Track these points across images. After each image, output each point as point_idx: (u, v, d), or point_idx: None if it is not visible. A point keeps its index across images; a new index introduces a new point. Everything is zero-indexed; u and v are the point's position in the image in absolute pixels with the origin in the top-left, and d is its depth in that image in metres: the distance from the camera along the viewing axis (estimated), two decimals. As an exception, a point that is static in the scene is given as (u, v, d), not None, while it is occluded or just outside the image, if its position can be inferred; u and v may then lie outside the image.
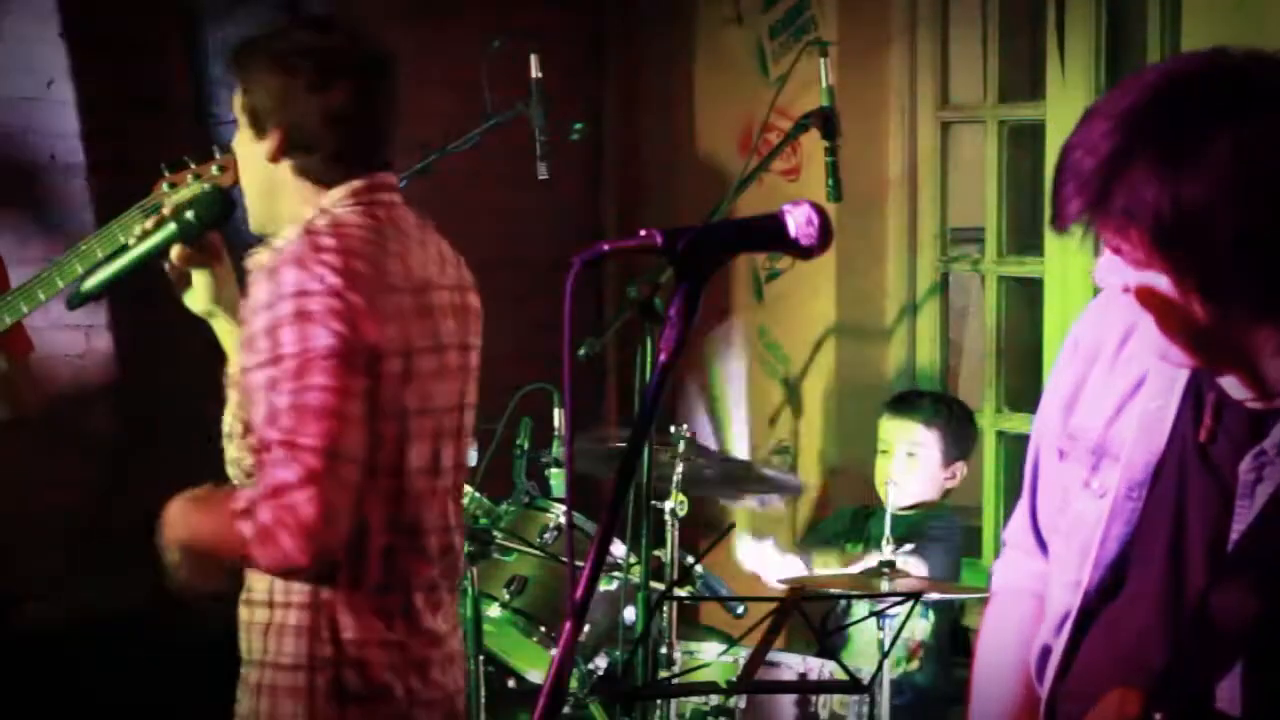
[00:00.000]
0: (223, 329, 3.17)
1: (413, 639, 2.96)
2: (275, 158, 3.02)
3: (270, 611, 2.94)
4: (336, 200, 3.01)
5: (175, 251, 3.09)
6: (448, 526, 3.05)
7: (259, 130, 3.03)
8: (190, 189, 3.39)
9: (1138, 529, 2.14)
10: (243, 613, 3.00)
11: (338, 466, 2.78)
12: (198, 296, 3.16)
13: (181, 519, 2.95)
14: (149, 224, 3.10)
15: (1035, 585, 2.36)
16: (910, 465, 4.80)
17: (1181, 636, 2.06)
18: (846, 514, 5.07)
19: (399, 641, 2.94)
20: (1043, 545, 2.35)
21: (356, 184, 3.02)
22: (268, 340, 2.83)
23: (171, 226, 3.08)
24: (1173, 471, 2.12)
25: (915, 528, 4.72)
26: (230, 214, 3.14)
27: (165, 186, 3.45)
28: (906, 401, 4.94)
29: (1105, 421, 2.19)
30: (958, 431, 4.88)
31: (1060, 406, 2.27)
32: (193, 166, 3.44)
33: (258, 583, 2.97)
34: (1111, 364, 2.22)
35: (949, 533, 4.81)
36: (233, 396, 3.00)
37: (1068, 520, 2.23)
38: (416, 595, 2.98)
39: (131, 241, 3.13)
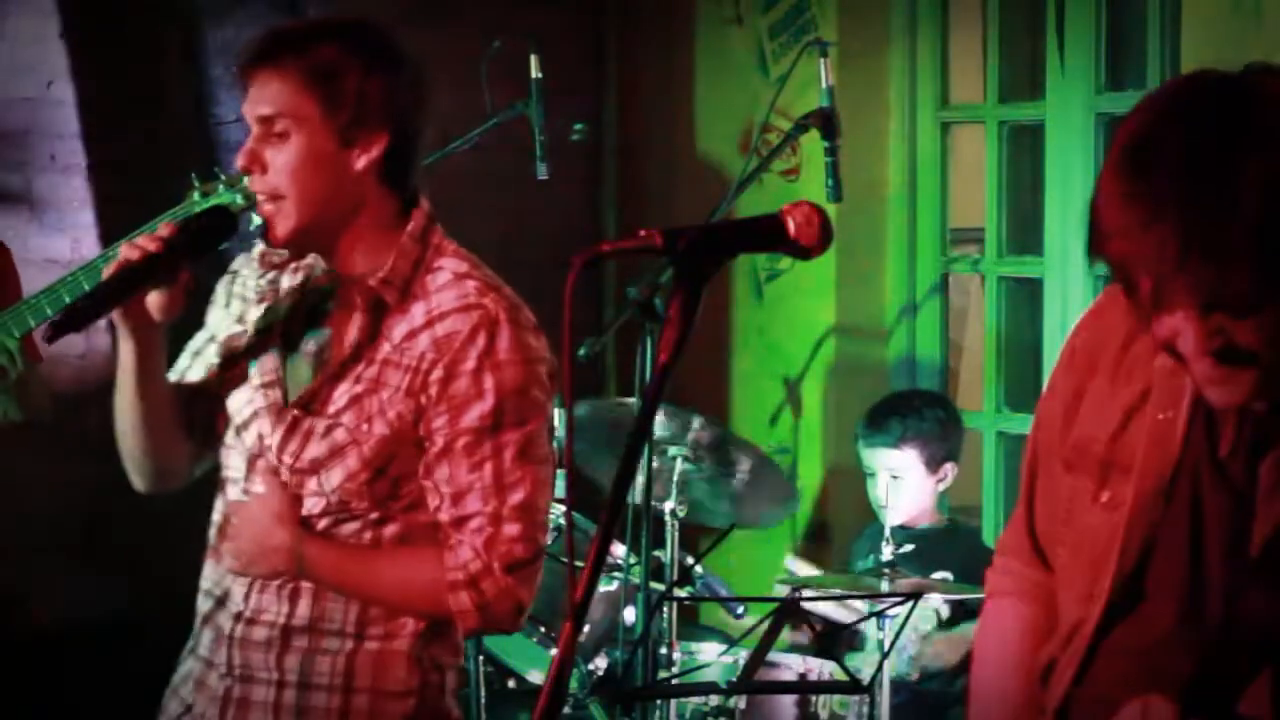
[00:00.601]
0: (139, 347, 2.76)
1: (459, 662, 2.89)
2: (378, 168, 2.66)
3: (358, 642, 2.74)
4: (434, 233, 2.72)
5: (185, 277, 2.70)
6: None
7: (348, 137, 2.63)
8: (221, 199, 3.25)
9: (1155, 539, 2.12)
10: (297, 639, 2.75)
11: (546, 535, 2.76)
12: (144, 311, 2.72)
13: (321, 562, 2.72)
14: (148, 243, 2.70)
15: (1033, 590, 2.34)
16: (896, 487, 4.72)
17: (1208, 642, 2.05)
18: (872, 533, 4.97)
19: (462, 667, 2.90)
20: (1040, 555, 2.33)
21: (428, 208, 2.74)
22: (488, 405, 2.65)
23: (177, 241, 2.71)
24: (1186, 481, 2.11)
25: (935, 544, 4.70)
26: (232, 235, 2.81)
27: (196, 195, 3.35)
28: (874, 425, 4.83)
29: (1111, 433, 2.16)
30: (937, 437, 4.81)
31: (1060, 418, 2.24)
32: (224, 177, 3.31)
33: (338, 614, 2.75)
34: (1113, 374, 2.19)
35: (972, 551, 4.79)
36: (331, 436, 2.72)
37: (1075, 533, 2.20)
38: None
39: (106, 268, 2.73)
